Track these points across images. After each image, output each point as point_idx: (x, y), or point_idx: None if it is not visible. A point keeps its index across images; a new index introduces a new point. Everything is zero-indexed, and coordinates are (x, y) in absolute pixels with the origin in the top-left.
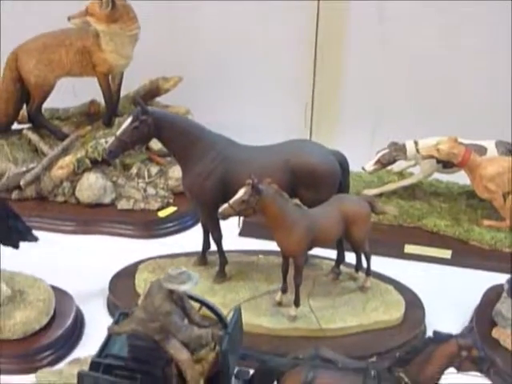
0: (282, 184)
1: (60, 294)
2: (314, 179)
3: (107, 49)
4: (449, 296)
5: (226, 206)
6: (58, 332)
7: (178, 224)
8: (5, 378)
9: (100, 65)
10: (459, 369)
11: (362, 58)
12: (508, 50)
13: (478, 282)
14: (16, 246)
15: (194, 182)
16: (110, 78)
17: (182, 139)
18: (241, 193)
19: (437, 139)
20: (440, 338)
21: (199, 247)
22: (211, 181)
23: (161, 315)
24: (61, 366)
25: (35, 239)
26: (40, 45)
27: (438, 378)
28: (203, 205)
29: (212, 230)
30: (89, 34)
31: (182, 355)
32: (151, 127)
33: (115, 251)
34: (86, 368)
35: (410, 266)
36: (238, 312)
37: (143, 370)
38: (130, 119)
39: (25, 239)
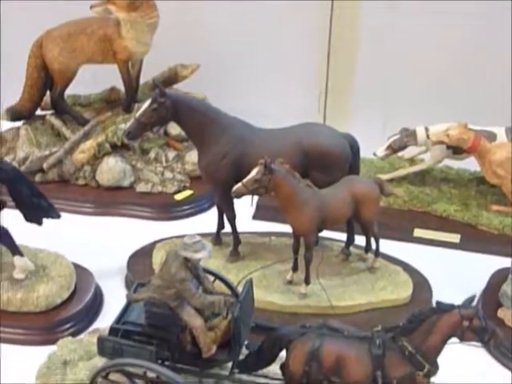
0: (295, 165)
1: (81, 271)
2: (325, 161)
3: (127, 36)
4: (456, 278)
5: (239, 184)
6: (79, 306)
7: (194, 207)
8: (27, 348)
9: (120, 52)
10: (461, 338)
11: (374, 47)
12: None
13: (486, 265)
14: (40, 223)
15: (209, 162)
16: (129, 65)
17: (198, 121)
18: (254, 172)
19: (447, 125)
20: (443, 308)
21: (214, 229)
22: (226, 161)
23: (176, 282)
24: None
25: (58, 216)
26: (64, 33)
27: (441, 348)
28: (218, 185)
29: (226, 210)
30: (110, 22)
31: (195, 322)
32: (169, 109)
33: (133, 232)
34: None
35: (419, 250)
36: (249, 284)
37: (159, 336)
38: (148, 101)
39: (48, 216)
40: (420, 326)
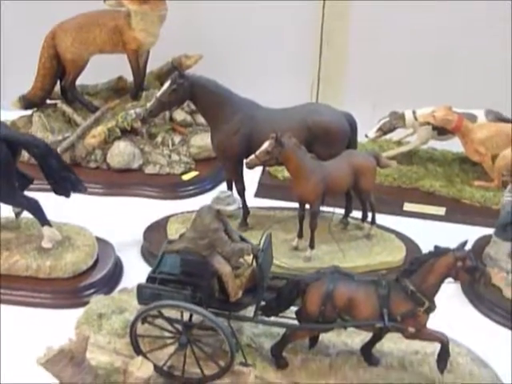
0: (300, 140)
1: (101, 243)
2: (327, 136)
3: (137, 28)
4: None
5: (252, 156)
6: (101, 273)
7: (199, 187)
8: (55, 312)
9: (130, 42)
10: (456, 278)
11: (364, 37)
12: (502, 28)
13: (470, 235)
14: (68, 195)
15: (222, 138)
16: None
17: (212, 101)
18: (266, 145)
19: (432, 108)
20: (439, 251)
21: None
22: (238, 138)
23: (210, 232)
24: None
25: (85, 189)
26: (76, 24)
27: (439, 287)
28: (230, 159)
29: (236, 182)
30: (120, 14)
31: (225, 269)
32: (187, 90)
33: (143, 210)
34: (134, 294)
35: (408, 222)
36: (269, 237)
37: (192, 282)
38: (168, 82)
39: (75, 189)
40: (420, 268)
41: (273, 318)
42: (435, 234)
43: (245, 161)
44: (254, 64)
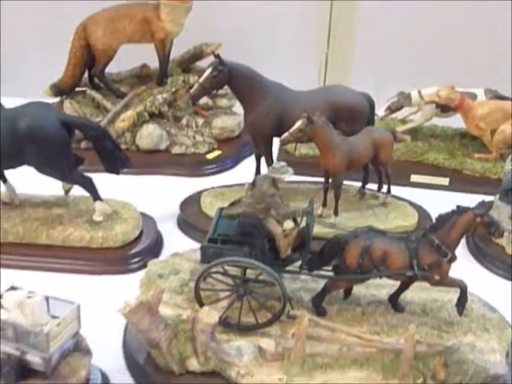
0: (326, 118)
1: (143, 216)
2: (350, 114)
3: (166, 18)
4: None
5: (286, 134)
6: (146, 243)
7: (221, 165)
8: (105, 278)
9: (158, 32)
10: (474, 232)
11: (370, 19)
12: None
13: (472, 203)
14: (118, 172)
15: (255, 118)
16: None
17: (247, 85)
18: (298, 123)
19: (436, 88)
20: (461, 209)
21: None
22: (269, 118)
23: (267, 197)
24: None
25: (133, 166)
26: (107, 16)
27: (459, 240)
28: (262, 137)
29: (266, 158)
30: (149, 6)
31: (278, 229)
32: (226, 75)
33: (171, 187)
34: (185, 257)
35: (415, 192)
36: (312, 202)
37: (249, 242)
38: (210, 69)
39: (125, 166)
40: (444, 225)
41: (316, 272)
42: (440, 201)
43: (279, 138)
44: (266, 49)
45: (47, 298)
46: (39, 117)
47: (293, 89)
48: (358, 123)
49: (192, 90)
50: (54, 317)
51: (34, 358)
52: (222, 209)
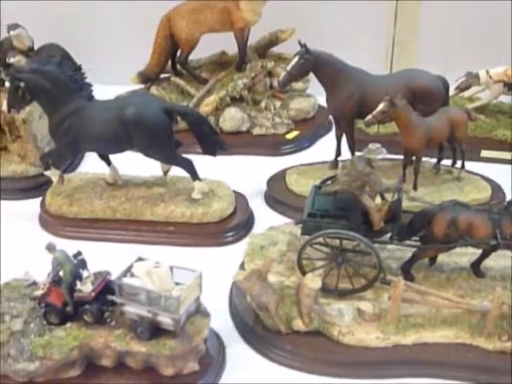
0: None
1: (235, 193)
2: (428, 96)
3: (246, 8)
4: None
5: (370, 116)
6: (240, 218)
7: (298, 145)
8: (205, 249)
9: (238, 21)
10: None
11: (436, 5)
12: None
13: None
14: (215, 155)
15: (338, 102)
16: None
17: (330, 71)
18: (381, 106)
19: (504, 67)
20: None
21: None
22: (352, 101)
23: (363, 175)
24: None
25: (228, 148)
26: (190, 8)
27: None
28: (344, 119)
29: (348, 138)
30: None
31: (372, 204)
32: (311, 63)
33: (254, 166)
34: (280, 230)
35: (486, 166)
36: (401, 179)
37: (345, 216)
38: (297, 58)
39: (221, 148)
40: None
41: (405, 242)
42: (510, 176)
43: (364, 120)
44: (335, 32)
45: (171, 267)
46: (144, 105)
47: (373, 74)
48: (435, 104)
49: (281, 77)
50: (177, 283)
51: (165, 320)
52: (316, 186)
